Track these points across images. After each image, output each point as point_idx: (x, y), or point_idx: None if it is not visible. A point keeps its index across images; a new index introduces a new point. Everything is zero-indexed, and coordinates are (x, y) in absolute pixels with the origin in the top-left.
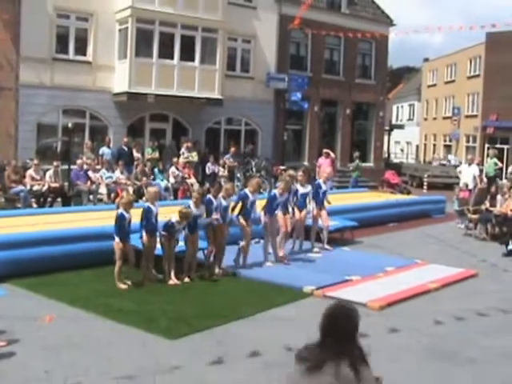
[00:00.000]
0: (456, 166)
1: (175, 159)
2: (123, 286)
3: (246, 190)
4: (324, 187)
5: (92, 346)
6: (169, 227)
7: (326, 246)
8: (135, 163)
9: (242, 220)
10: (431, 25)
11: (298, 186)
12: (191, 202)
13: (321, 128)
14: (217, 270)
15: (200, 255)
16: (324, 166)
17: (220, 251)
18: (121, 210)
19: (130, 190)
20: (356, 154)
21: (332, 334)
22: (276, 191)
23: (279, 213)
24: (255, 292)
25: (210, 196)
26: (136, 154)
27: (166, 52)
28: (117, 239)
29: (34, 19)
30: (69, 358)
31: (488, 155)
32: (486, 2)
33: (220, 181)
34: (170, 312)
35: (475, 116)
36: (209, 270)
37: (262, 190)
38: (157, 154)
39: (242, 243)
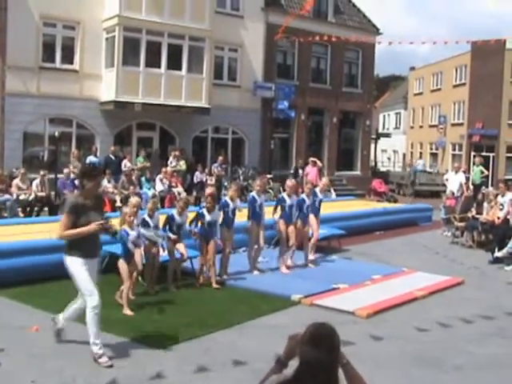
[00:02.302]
0: (423, 171)
1: (163, 169)
2: (129, 313)
3: (227, 198)
4: (320, 196)
5: (79, 355)
6: (170, 220)
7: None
8: (127, 172)
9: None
10: (418, 33)
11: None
12: (175, 211)
13: (308, 136)
14: (202, 280)
15: (187, 264)
16: (311, 174)
17: (209, 262)
18: (124, 227)
19: (118, 198)
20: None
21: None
22: (254, 193)
23: (281, 222)
24: (243, 300)
25: (203, 210)
26: (129, 164)
27: (153, 61)
28: (121, 260)
29: (21, 28)
30: (55, 367)
31: (474, 163)
32: (471, 8)
33: (211, 193)
34: (157, 321)
35: (461, 124)
36: (197, 280)
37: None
38: (148, 163)
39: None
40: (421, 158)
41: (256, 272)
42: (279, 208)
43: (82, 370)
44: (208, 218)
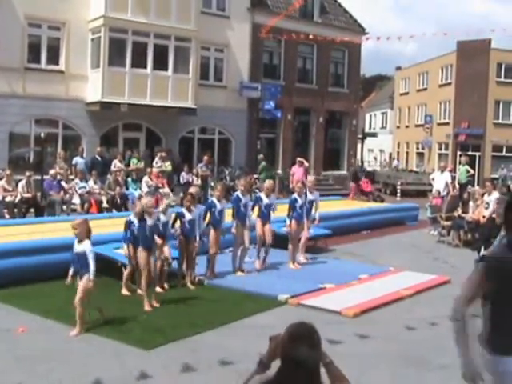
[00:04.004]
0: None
1: (149, 169)
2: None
3: (213, 198)
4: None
5: (66, 357)
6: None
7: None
8: (116, 173)
9: (211, 230)
10: (404, 34)
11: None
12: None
13: (294, 136)
14: (187, 280)
15: (174, 264)
16: (297, 174)
17: (190, 262)
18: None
19: (104, 199)
20: (260, 155)
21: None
22: (238, 192)
23: (258, 221)
24: (229, 301)
25: (183, 210)
26: (119, 165)
27: (139, 61)
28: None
29: (5, 28)
30: (43, 369)
31: (460, 162)
32: (457, 11)
33: (191, 192)
34: (143, 322)
35: (447, 124)
36: (182, 280)
37: None
38: (142, 165)
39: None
40: (400, 158)
41: (239, 273)
42: (257, 208)
43: (69, 372)
44: (188, 216)
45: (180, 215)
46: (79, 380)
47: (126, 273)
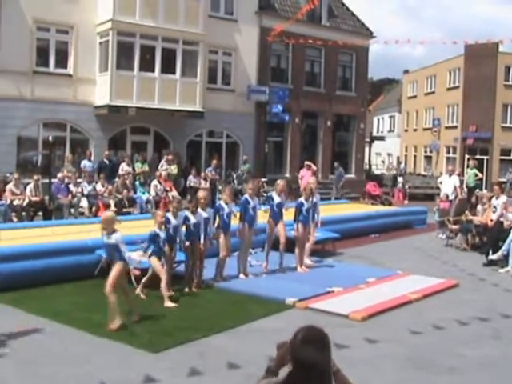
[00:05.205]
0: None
1: (157, 172)
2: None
3: (221, 202)
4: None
5: (72, 360)
6: (154, 237)
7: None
8: (124, 176)
9: (219, 234)
10: (411, 37)
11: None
12: (169, 213)
13: (302, 140)
14: (195, 283)
15: (181, 267)
16: (306, 177)
17: (199, 265)
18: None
19: (112, 202)
20: (244, 157)
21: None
22: (246, 195)
23: (270, 222)
24: (237, 304)
25: (187, 213)
26: (126, 168)
27: (146, 65)
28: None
29: (14, 32)
30: (49, 372)
31: (468, 166)
32: (463, 14)
33: (198, 195)
34: (150, 325)
35: (455, 127)
36: (188, 283)
37: None
38: (147, 168)
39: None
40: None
41: (242, 276)
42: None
43: (76, 375)
44: (193, 220)
45: (185, 219)
46: (85, 383)
47: (145, 278)
